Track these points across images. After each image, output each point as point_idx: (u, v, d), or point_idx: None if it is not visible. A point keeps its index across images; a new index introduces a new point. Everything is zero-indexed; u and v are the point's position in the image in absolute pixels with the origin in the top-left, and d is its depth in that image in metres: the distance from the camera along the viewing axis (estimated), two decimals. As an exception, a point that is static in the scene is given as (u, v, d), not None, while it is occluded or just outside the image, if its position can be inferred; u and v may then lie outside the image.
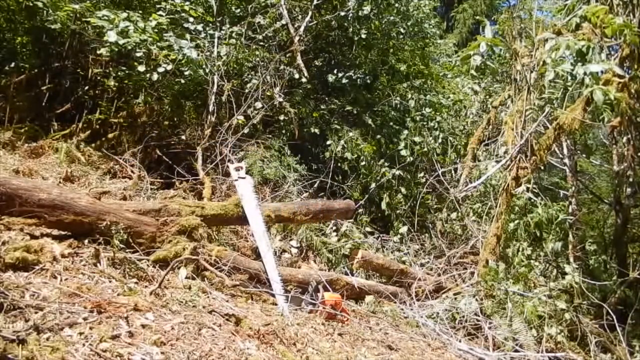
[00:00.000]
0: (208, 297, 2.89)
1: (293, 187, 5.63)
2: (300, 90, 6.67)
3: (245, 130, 5.85)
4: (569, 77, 4.16)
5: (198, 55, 5.51)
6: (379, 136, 6.79)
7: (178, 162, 5.47)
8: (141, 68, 5.08)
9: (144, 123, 5.65)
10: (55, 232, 2.87)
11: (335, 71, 6.94)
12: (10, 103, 5.03)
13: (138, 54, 5.08)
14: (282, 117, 6.32)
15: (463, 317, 4.28)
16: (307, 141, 6.69)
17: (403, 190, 6.48)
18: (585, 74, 4.00)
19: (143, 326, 2.12)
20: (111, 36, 4.83)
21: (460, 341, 3.97)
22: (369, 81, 7.10)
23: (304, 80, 6.46)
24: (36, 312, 1.94)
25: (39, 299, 2.08)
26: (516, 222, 5.15)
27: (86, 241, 2.86)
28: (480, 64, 4.84)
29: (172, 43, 5.29)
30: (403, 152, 6.57)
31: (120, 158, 5.12)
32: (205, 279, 3.18)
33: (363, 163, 6.46)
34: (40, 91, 5.30)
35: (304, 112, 6.60)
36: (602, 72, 4.19)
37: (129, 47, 4.96)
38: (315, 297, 3.54)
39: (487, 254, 4.84)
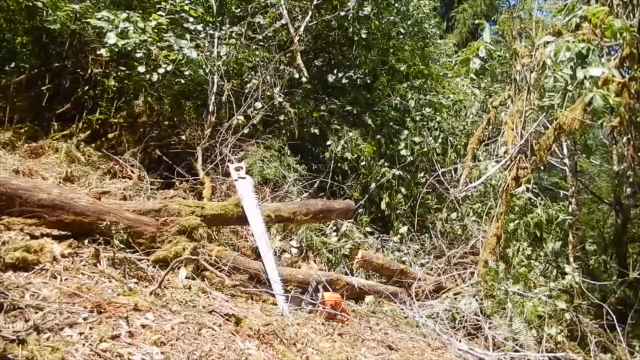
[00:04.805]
0: (208, 297, 2.89)
1: (293, 187, 5.63)
2: (300, 90, 6.67)
3: (245, 130, 5.85)
4: (569, 80, 4.16)
5: (198, 55, 5.51)
6: (379, 136, 6.79)
7: (178, 162, 5.47)
8: (141, 69, 5.09)
9: (144, 123, 5.65)
10: (55, 232, 2.86)
11: (335, 71, 6.94)
12: (10, 103, 5.03)
13: (138, 55, 5.08)
14: (282, 117, 6.32)
15: (463, 317, 4.28)
16: (307, 141, 6.69)
17: (403, 190, 6.48)
18: (585, 77, 4.00)
19: (143, 326, 2.12)
20: (111, 38, 4.84)
21: (460, 341, 3.97)
22: (369, 81, 7.10)
23: (304, 80, 6.46)
24: (36, 312, 1.94)
25: (39, 299, 2.08)
26: (516, 222, 5.15)
27: (86, 241, 2.86)
28: (480, 67, 4.84)
29: (172, 43, 5.29)
30: (403, 152, 6.57)
31: (120, 158, 5.12)
32: (205, 279, 3.18)
33: (363, 163, 6.46)
34: (40, 91, 5.29)
35: (304, 112, 6.60)
36: (602, 73, 4.19)
37: (129, 48, 4.96)
38: (315, 297, 3.54)
39: (487, 254, 4.84)
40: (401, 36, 7.73)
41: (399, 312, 4.27)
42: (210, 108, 5.82)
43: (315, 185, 6.05)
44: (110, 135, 5.43)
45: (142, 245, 3.13)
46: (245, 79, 6.29)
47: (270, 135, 6.27)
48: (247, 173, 4.51)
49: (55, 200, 2.82)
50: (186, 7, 5.84)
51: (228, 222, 4.13)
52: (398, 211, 6.43)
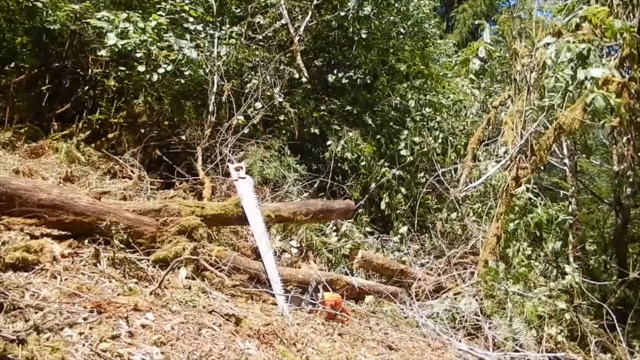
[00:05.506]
0: (208, 297, 2.89)
1: (293, 187, 5.63)
2: (300, 90, 6.67)
3: (245, 130, 5.85)
4: (570, 80, 4.16)
5: (198, 55, 5.51)
6: (379, 136, 6.79)
7: (178, 162, 5.47)
8: (141, 68, 5.09)
9: (144, 123, 5.65)
10: (55, 232, 2.86)
11: (335, 71, 6.94)
12: (10, 103, 5.03)
13: (138, 55, 5.08)
14: (282, 117, 6.32)
15: (463, 317, 4.28)
16: (307, 141, 6.69)
17: (403, 190, 6.48)
18: (586, 78, 4.00)
19: (143, 326, 2.12)
20: (111, 38, 4.84)
21: (460, 341, 3.97)
22: (369, 81, 7.10)
23: (304, 80, 6.46)
24: (36, 312, 1.94)
25: (39, 299, 2.08)
26: (516, 222, 5.15)
27: (86, 241, 2.86)
28: (479, 68, 4.85)
29: (172, 43, 5.29)
30: (403, 152, 6.58)
31: (120, 158, 5.12)
32: (205, 279, 3.18)
33: (363, 163, 6.46)
34: (40, 91, 5.29)
35: (304, 112, 6.60)
36: (602, 73, 4.19)
37: (129, 48, 4.96)
38: (315, 297, 3.54)
39: (487, 254, 4.84)
40: (401, 36, 7.73)
41: (399, 312, 4.27)
42: (210, 108, 5.82)
43: (315, 185, 6.05)
44: (110, 135, 5.42)
45: (142, 245, 3.13)
46: (245, 79, 6.29)
47: (270, 135, 6.27)
48: (247, 173, 4.51)
49: (55, 200, 2.82)
50: (186, 7, 5.84)
51: (228, 222, 4.12)
52: (398, 211, 6.43)
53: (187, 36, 5.70)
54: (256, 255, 3.98)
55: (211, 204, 3.96)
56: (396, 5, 7.38)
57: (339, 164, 6.42)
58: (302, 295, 3.59)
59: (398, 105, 7.17)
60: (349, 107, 6.87)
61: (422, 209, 6.44)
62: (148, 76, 5.17)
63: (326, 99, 7.01)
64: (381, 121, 7.04)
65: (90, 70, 5.38)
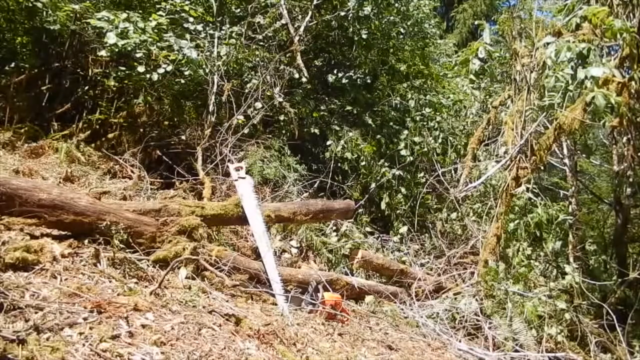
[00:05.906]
0: (208, 297, 2.89)
1: (293, 187, 5.63)
2: (300, 90, 6.67)
3: (245, 130, 5.85)
4: (570, 80, 4.16)
5: (198, 55, 5.51)
6: (379, 136, 6.80)
7: (178, 162, 5.47)
8: (141, 68, 5.09)
9: (144, 123, 5.65)
10: (55, 232, 2.86)
11: (335, 71, 6.94)
12: (10, 103, 5.03)
13: (138, 55, 5.08)
14: (282, 117, 6.32)
15: (463, 317, 4.28)
16: (307, 141, 6.70)
17: (403, 190, 6.48)
18: (586, 77, 4.01)
19: (143, 326, 2.12)
20: (111, 38, 4.84)
21: (460, 341, 3.97)
22: (369, 81, 7.10)
23: (304, 80, 6.46)
24: (36, 312, 1.94)
25: (39, 299, 2.08)
26: (516, 222, 5.16)
27: (86, 241, 2.86)
28: (479, 68, 4.85)
29: (172, 43, 5.29)
30: (403, 152, 6.58)
31: (120, 158, 5.12)
32: (205, 279, 3.18)
33: (363, 163, 6.47)
34: (40, 91, 5.29)
35: (304, 112, 6.60)
36: (603, 73, 4.19)
37: (129, 48, 4.96)
38: (315, 297, 3.54)
39: (487, 254, 4.84)
40: (401, 36, 7.74)
41: (399, 312, 4.27)
42: (210, 108, 5.82)
43: (315, 185, 6.05)
44: (110, 135, 5.43)
45: (142, 245, 3.13)
46: (245, 79, 6.29)
47: (270, 135, 6.27)
48: (247, 173, 4.51)
49: (55, 200, 2.82)
50: (186, 7, 5.84)
51: (228, 222, 4.13)
52: (398, 211, 6.43)
53: (187, 36, 5.70)
54: (256, 255, 3.98)
55: (211, 204, 3.96)
56: (396, 5, 7.38)
57: (339, 164, 6.42)
58: (302, 295, 3.59)
59: (398, 105, 7.18)
60: (349, 107, 6.88)
61: (422, 209, 6.44)
62: (148, 76, 5.17)
63: (326, 99, 7.01)
64: (381, 121, 7.05)
65: (90, 70, 5.38)
